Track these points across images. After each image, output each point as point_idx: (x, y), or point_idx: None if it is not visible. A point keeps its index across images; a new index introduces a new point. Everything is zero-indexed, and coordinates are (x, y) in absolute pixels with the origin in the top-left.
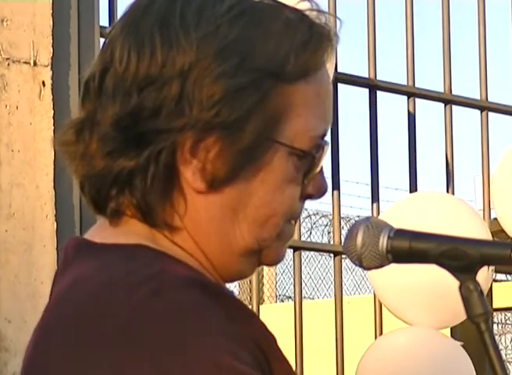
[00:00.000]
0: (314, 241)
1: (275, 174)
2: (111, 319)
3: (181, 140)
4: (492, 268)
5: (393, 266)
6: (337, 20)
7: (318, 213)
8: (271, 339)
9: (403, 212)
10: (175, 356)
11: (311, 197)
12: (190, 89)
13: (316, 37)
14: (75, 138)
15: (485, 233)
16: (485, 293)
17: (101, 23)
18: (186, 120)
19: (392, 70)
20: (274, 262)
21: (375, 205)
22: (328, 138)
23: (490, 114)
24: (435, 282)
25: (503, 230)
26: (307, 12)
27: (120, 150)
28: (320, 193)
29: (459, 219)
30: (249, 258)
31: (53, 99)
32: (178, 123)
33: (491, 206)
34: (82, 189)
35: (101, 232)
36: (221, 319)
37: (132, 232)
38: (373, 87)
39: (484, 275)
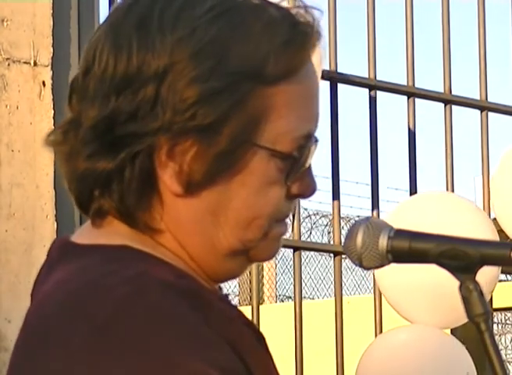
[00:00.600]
0: (314, 240)
1: (256, 177)
2: (87, 319)
3: (157, 143)
4: (499, 268)
5: (399, 266)
6: (319, 13)
7: (318, 213)
8: (250, 339)
9: (406, 213)
10: (143, 360)
11: (298, 196)
12: (165, 92)
13: (299, 37)
14: (62, 139)
15: (490, 231)
16: (492, 292)
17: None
18: (160, 123)
19: (392, 70)
20: (265, 259)
21: (375, 205)
22: (328, 138)
23: (490, 114)
24: (438, 282)
25: (503, 230)
26: (294, 10)
27: (99, 153)
28: (307, 192)
29: (463, 217)
30: (235, 258)
31: (53, 99)
32: (152, 126)
33: (491, 206)
34: (69, 189)
35: (86, 233)
36: (196, 323)
37: (116, 232)
38: (373, 87)
39: (490, 274)
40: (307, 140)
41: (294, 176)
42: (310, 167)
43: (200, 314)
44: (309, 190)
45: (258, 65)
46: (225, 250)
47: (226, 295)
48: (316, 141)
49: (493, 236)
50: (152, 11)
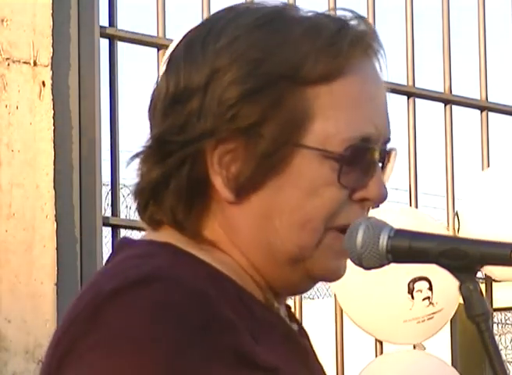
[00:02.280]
0: None
1: (307, 178)
2: (78, 307)
3: (204, 150)
4: None
5: (360, 281)
6: (374, 27)
7: None
8: (254, 346)
9: None
10: (105, 358)
11: (364, 201)
12: (208, 100)
13: (344, 39)
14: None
15: None
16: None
17: (101, 23)
18: (203, 129)
19: (392, 70)
20: (325, 277)
21: None
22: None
23: (490, 114)
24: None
25: None
26: (350, 20)
27: (153, 166)
28: (372, 197)
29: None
30: (294, 267)
31: (53, 99)
32: (196, 133)
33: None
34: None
35: (146, 233)
36: (186, 327)
37: (168, 235)
38: None
39: None
40: (365, 142)
41: (349, 177)
42: (378, 173)
43: (198, 319)
44: (373, 194)
45: (296, 66)
46: (282, 256)
47: (288, 308)
48: (384, 148)
49: None
50: (199, 32)
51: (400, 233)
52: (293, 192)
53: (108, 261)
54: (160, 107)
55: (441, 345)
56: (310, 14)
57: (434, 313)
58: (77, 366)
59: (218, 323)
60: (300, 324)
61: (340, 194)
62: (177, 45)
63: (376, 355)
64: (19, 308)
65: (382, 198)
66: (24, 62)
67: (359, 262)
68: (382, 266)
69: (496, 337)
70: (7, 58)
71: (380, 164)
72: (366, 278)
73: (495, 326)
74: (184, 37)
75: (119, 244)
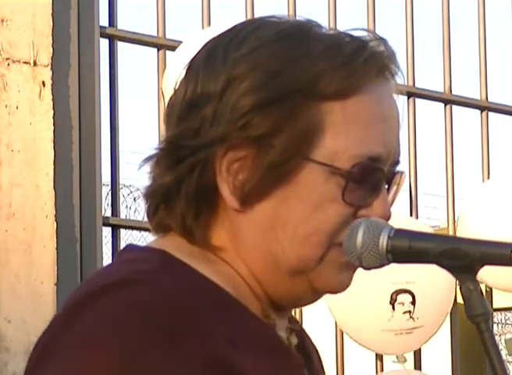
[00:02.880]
0: None
1: (313, 192)
2: (64, 308)
3: (214, 156)
4: None
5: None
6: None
7: None
8: (232, 352)
9: None
10: (69, 359)
11: None
12: (222, 107)
13: (361, 58)
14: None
15: None
16: None
17: (101, 23)
18: (214, 135)
19: None
20: (329, 290)
21: None
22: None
23: (490, 114)
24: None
25: None
26: (371, 41)
27: (166, 170)
28: (376, 217)
29: None
30: (296, 279)
31: (53, 99)
32: (207, 138)
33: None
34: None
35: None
36: (151, 330)
37: (170, 242)
38: None
39: None
40: (373, 161)
41: (354, 195)
42: (384, 194)
43: (167, 327)
44: (379, 215)
45: (312, 81)
46: (284, 267)
47: (295, 323)
48: (393, 171)
49: None
50: (222, 40)
51: (400, 233)
52: (298, 204)
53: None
54: (176, 111)
55: (441, 345)
56: (332, 32)
57: (414, 328)
58: (49, 365)
59: (188, 329)
60: (304, 337)
61: (345, 211)
62: (198, 52)
63: (376, 371)
64: (19, 308)
65: (385, 218)
66: (24, 62)
67: (359, 262)
68: (382, 265)
69: (496, 337)
70: (7, 58)
71: (386, 186)
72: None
73: (495, 326)
74: (205, 45)
75: (120, 250)
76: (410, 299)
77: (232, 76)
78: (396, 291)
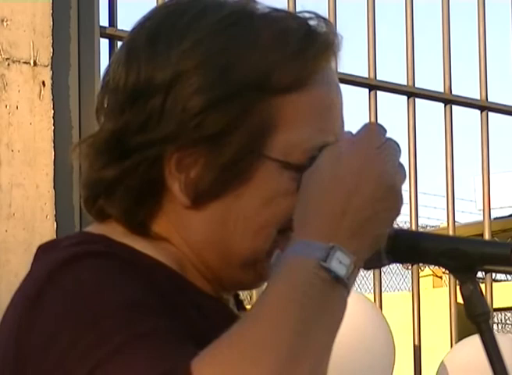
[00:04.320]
0: None
1: (267, 187)
2: (23, 293)
3: (165, 154)
4: None
5: None
6: (338, 30)
7: None
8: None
9: None
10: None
11: None
12: (170, 103)
13: (313, 47)
14: (84, 152)
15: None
16: None
17: (101, 23)
18: (165, 134)
19: (392, 70)
20: None
21: None
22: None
23: (490, 114)
24: None
25: (503, 230)
26: (314, 22)
27: (109, 163)
28: None
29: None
30: (247, 270)
31: (53, 99)
32: (158, 137)
33: (491, 206)
34: (81, 196)
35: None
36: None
37: (108, 227)
38: (373, 87)
39: None
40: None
41: None
42: None
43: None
44: None
45: (264, 74)
46: (235, 260)
47: (239, 301)
48: None
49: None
50: (163, 24)
51: (400, 233)
52: (251, 201)
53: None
54: (118, 99)
55: (441, 345)
56: (275, 14)
57: None
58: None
59: (159, 288)
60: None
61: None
62: (136, 33)
63: None
64: None
65: None
66: (24, 62)
67: None
68: (382, 265)
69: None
70: (7, 58)
71: None
72: None
73: (495, 326)
74: (143, 25)
75: (39, 250)
76: None
77: (181, 70)
78: None
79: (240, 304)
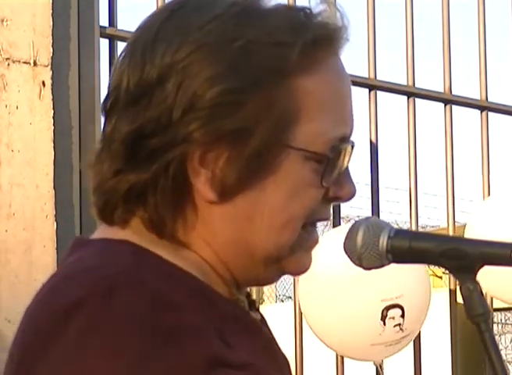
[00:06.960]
0: None
1: (291, 179)
2: (52, 313)
3: (189, 151)
4: None
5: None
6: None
7: None
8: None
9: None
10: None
11: (336, 200)
12: (184, 97)
13: (322, 36)
14: (95, 159)
15: None
16: None
17: (101, 23)
18: (186, 133)
19: (392, 70)
20: (298, 272)
21: (374, 204)
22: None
23: (490, 114)
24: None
25: None
26: (317, 10)
27: (130, 166)
28: (346, 196)
29: None
30: (270, 265)
31: (53, 99)
32: (181, 134)
33: None
34: (94, 202)
35: (101, 230)
36: (150, 339)
37: (127, 231)
38: (373, 87)
39: None
40: (342, 142)
41: (330, 178)
42: (348, 171)
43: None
44: (347, 193)
45: (281, 58)
46: (260, 256)
47: (251, 302)
48: (353, 144)
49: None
50: (167, 20)
51: (400, 233)
52: (276, 194)
53: (61, 260)
54: (126, 101)
55: (441, 345)
56: (278, 5)
57: (402, 338)
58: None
59: (185, 331)
60: (261, 313)
61: (319, 194)
62: (147, 30)
63: (337, 369)
64: (19, 308)
65: (353, 196)
66: (24, 62)
67: (359, 262)
68: (382, 266)
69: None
70: (7, 58)
71: None
72: (339, 296)
73: (495, 326)
74: (148, 23)
75: (71, 245)
76: (400, 313)
77: (193, 60)
78: (386, 307)
79: (252, 304)
